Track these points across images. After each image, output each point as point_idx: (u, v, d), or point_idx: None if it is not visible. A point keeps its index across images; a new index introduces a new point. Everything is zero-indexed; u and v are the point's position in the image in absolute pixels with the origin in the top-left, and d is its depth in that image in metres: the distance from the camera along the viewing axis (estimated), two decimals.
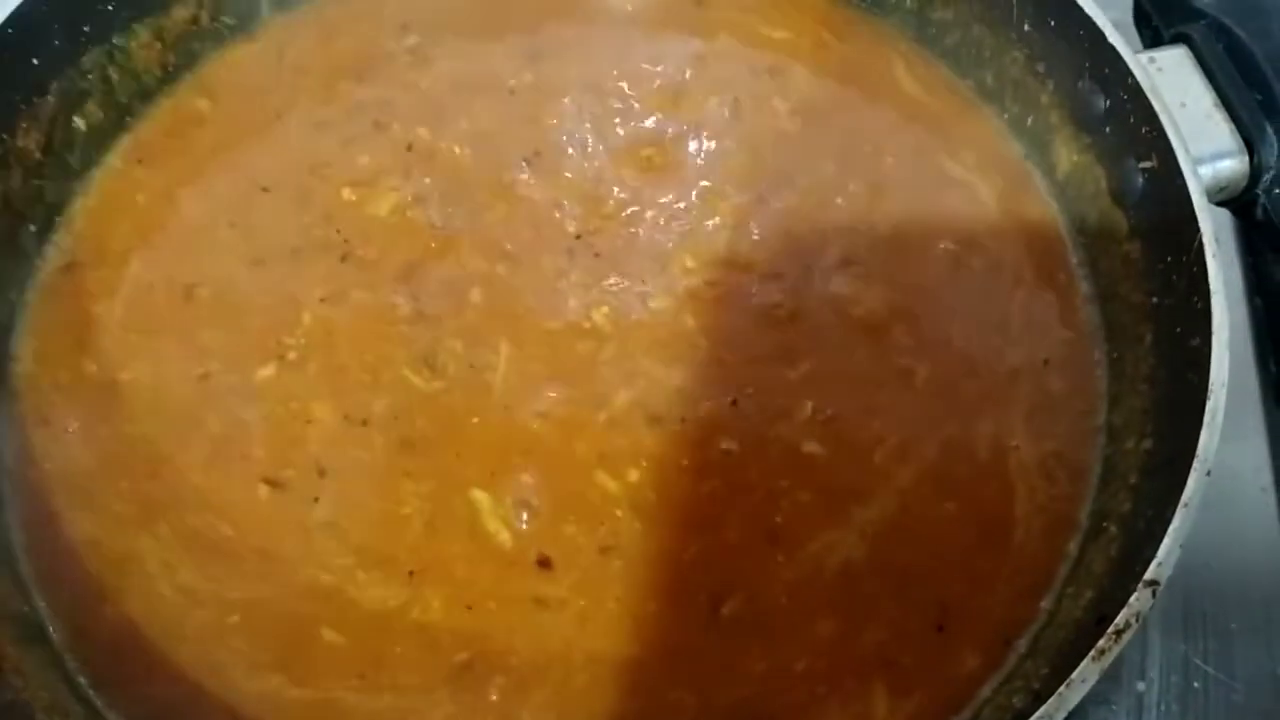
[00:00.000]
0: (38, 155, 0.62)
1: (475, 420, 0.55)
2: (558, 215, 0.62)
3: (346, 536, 0.52)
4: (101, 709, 0.50)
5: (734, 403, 0.56)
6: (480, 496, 0.53)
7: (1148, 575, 0.45)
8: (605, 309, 0.59)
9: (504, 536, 0.52)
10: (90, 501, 0.54)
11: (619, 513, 0.53)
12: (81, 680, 0.51)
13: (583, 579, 0.51)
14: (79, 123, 0.64)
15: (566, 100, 0.66)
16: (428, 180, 0.63)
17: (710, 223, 0.62)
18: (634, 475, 0.54)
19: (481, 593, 0.51)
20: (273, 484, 0.54)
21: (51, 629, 0.51)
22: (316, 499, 0.53)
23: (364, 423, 0.55)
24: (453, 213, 0.61)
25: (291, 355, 0.57)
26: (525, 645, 0.50)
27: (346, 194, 0.62)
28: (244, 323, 0.58)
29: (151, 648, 0.50)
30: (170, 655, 0.50)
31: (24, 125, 0.61)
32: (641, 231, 0.62)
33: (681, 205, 0.62)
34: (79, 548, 0.53)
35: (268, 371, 0.56)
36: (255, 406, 0.55)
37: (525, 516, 0.53)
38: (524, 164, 0.63)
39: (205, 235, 0.61)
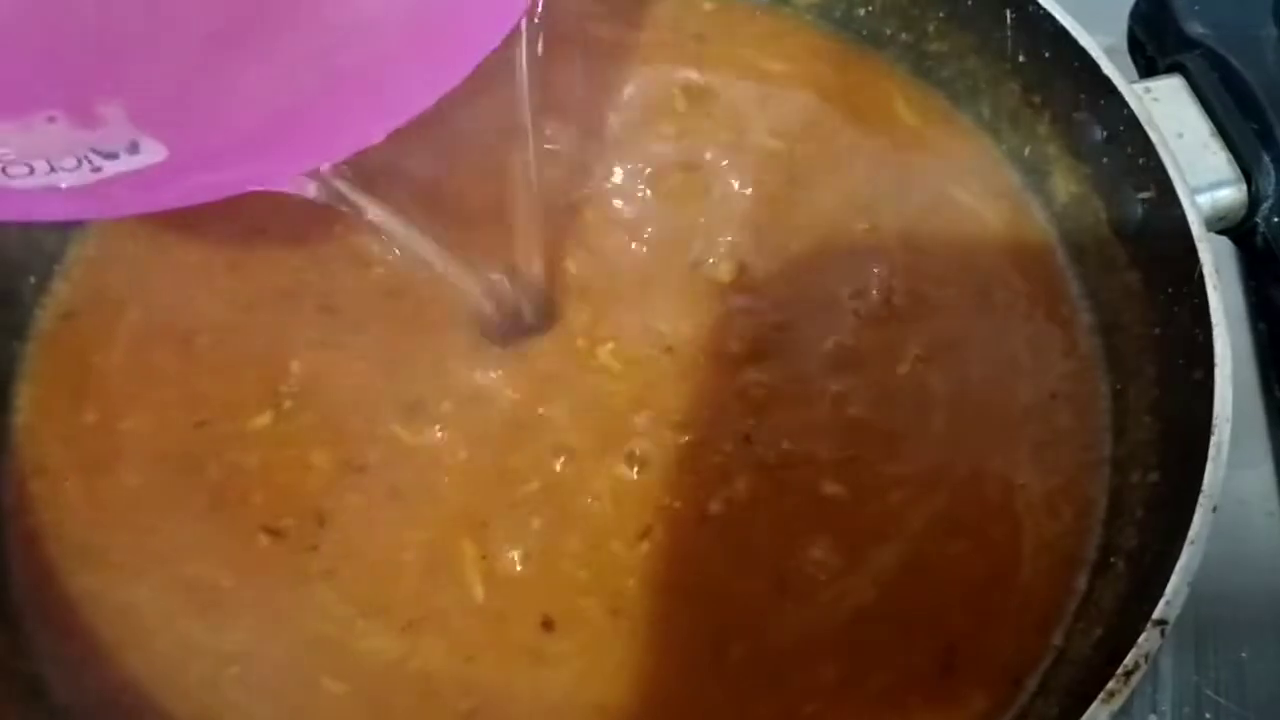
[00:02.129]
0: None
1: (472, 469, 0.55)
2: (558, 251, 0.61)
3: (346, 585, 0.52)
4: None
5: (750, 442, 0.55)
6: (470, 550, 0.53)
7: (1155, 615, 0.44)
8: (610, 344, 0.59)
9: (481, 590, 0.52)
10: (89, 553, 0.53)
11: (630, 581, 0.52)
12: None
13: (588, 641, 0.51)
14: None
15: (565, 133, 0.65)
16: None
17: (716, 257, 0.61)
18: (646, 545, 0.53)
19: (480, 645, 0.50)
20: (272, 533, 0.53)
21: (51, 686, 0.51)
22: (315, 547, 0.53)
23: (361, 469, 0.55)
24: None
25: (287, 404, 0.57)
26: (526, 695, 0.49)
27: (338, 229, 0.61)
28: (240, 370, 0.57)
29: (150, 703, 0.50)
30: (170, 710, 0.49)
31: None
32: (644, 267, 0.61)
33: (689, 239, 0.62)
34: (78, 602, 0.52)
35: (264, 420, 0.56)
36: (253, 454, 0.55)
37: (519, 570, 0.52)
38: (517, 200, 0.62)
39: (201, 281, 0.61)
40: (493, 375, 0.57)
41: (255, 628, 0.51)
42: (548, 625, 0.51)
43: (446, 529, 0.53)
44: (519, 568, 0.52)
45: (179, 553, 0.53)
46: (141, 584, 0.52)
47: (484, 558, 0.52)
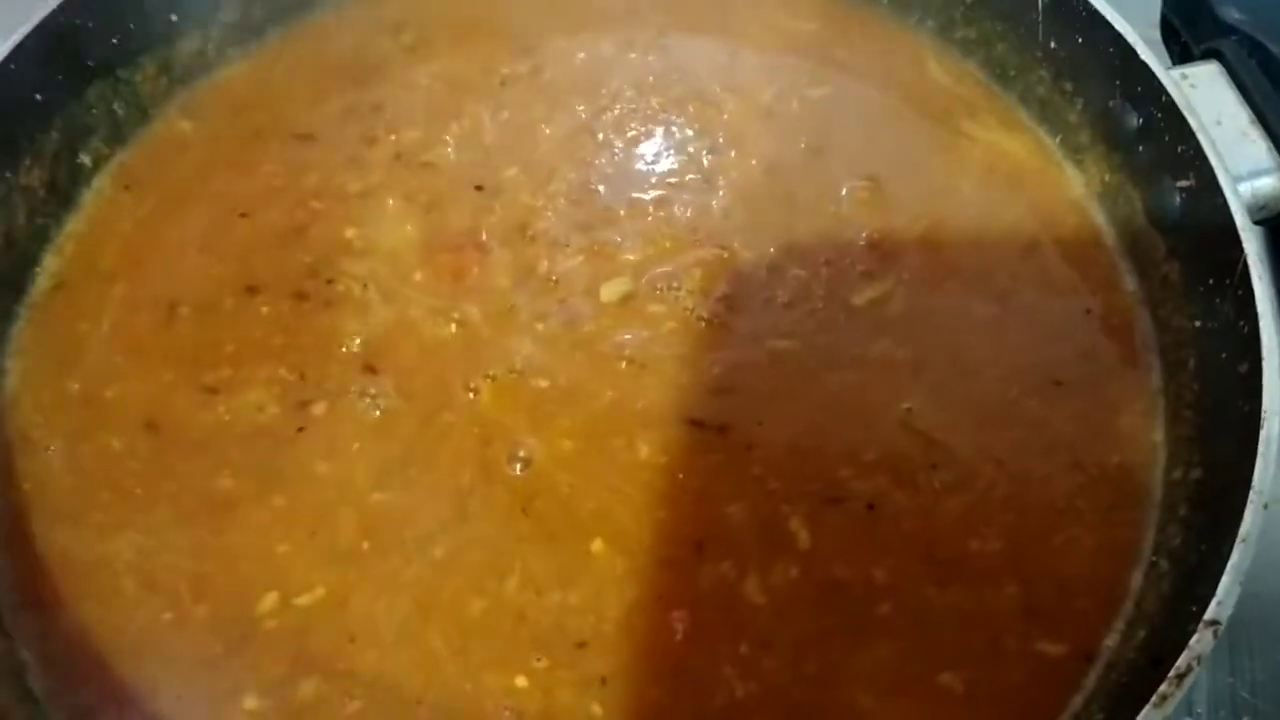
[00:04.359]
0: (41, 192, 0.60)
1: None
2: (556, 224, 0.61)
3: None
4: None
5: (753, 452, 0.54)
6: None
7: (1208, 615, 0.42)
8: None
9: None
10: (67, 516, 0.53)
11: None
12: (52, 709, 0.49)
13: None
14: (84, 158, 0.63)
15: (594, 96, 0.65)
16: (414, 184, 0.62)
17: (737, 224, 0.60)
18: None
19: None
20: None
21: (26, 659, 0.50)
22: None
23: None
24: (436, 217, 0.61)
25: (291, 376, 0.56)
26: None
27: (314, 203, 0.62)
28: (233, 346, 0.57)
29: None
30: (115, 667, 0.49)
31: (27, 162, 0.60)
32: (660, 239, 0.60)
33: (709, 201, 0.61)
34: (50, 564, 0.52)
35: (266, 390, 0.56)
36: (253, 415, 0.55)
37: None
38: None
39: (192, 259, 0.60)
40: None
41: None
42: None
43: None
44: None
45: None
46: (122, 533, 0.52)
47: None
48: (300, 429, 0.54)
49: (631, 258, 0.59)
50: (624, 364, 0.56)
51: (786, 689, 0.48)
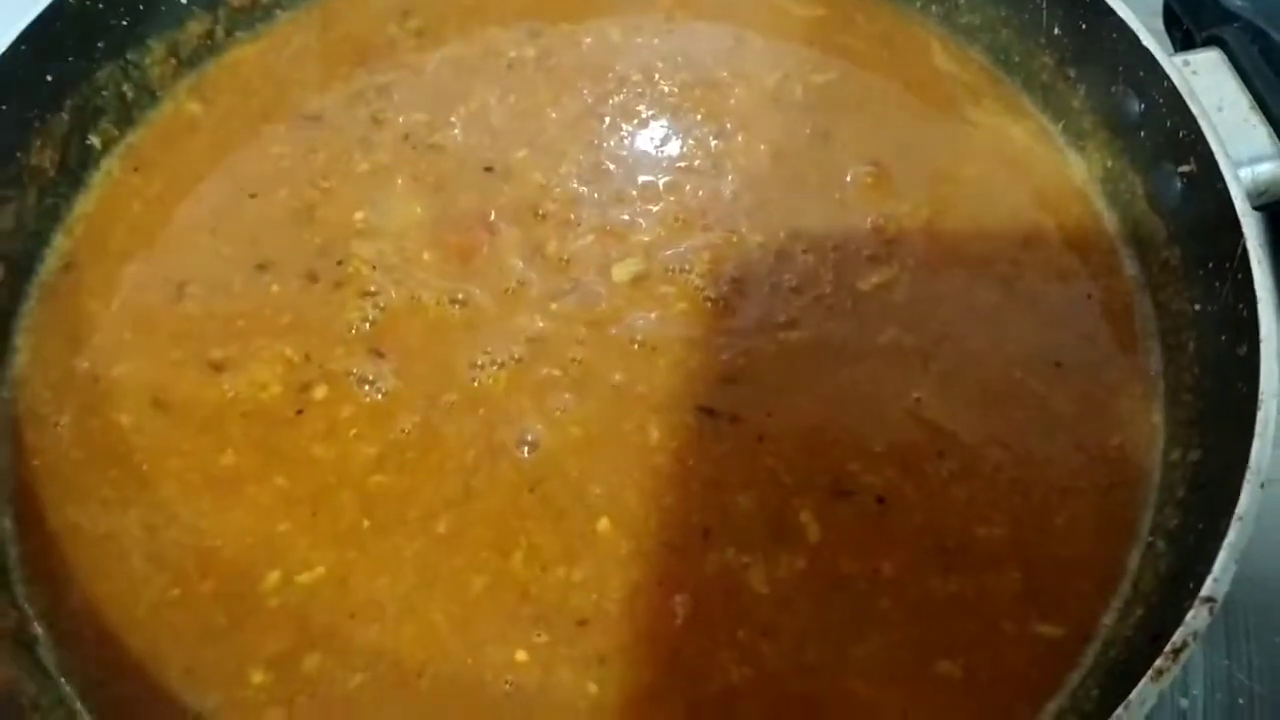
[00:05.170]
0: (51, 173, 0.61)
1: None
2: (571, 215, 0.61)
3: None
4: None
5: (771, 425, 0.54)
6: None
7: (1204, 592, 0.43)
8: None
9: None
10: (75, 491, 0.54)
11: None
12: (64, 681, 0.50)
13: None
14: (94, 140, 0.63)
15: (601, 80, 0.66)
16: (422, 165, 0.62)
17: (745, 209, 0.61)
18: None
19: None
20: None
21: (38, 632, 0.51)
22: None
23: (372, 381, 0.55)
24: (445, 197, 0.61)
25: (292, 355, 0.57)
26: None
27: (322, 184, 0.62)
28: (242, 324, 0.58)
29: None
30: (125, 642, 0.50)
31: (38, 143, 0.60)
32: (670, 222, 0.61)
33: (717, 185, 0.62)
34: (61, 539, 0.52)
35: (271, 369, 0.56)
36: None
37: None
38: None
39: (201, 239, 0.61)
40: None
41: None
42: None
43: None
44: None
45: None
46: (130, 509, 0.53)
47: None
48: (299, 411, 0.55)
49: (645, 238, 0.60)
50: (635, 346, 0.56)
51: (783, 676, 0.49)
